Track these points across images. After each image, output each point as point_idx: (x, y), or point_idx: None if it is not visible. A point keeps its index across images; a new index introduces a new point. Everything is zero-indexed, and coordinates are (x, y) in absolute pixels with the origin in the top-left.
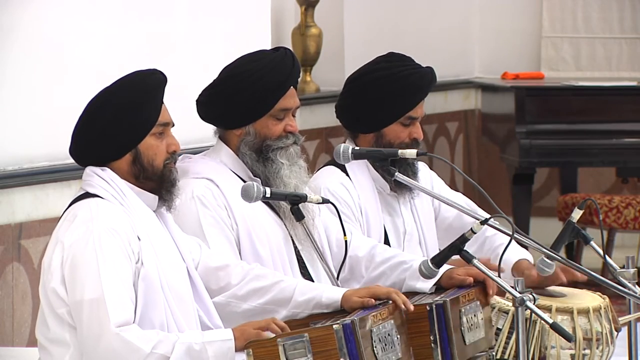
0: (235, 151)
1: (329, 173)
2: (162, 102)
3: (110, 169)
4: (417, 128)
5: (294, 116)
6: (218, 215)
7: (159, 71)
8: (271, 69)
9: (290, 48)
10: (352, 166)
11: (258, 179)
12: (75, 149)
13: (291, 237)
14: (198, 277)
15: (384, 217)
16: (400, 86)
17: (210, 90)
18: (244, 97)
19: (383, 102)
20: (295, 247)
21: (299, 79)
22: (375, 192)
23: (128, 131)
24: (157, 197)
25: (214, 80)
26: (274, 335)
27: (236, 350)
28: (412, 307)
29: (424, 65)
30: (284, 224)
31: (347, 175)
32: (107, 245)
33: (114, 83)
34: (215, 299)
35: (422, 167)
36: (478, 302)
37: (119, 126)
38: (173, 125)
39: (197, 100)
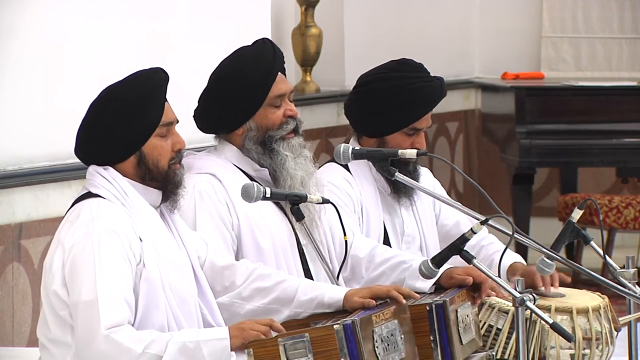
0: (240, 149)
1: (332, 169)
2: (165, 101)
3: (116, 169)
4: (420, 138)
5: (290, 101)
6: (216, 210)
7: (161, 69)
8: (254, 61)
9: (290, 48)
10: (354, 165)
11: (265, 170)
12: (80, 151)
13: (295, 232)
14: (203, 276)
15: (384, 216)
16: (408, 98)
17: (202, 100)
18: (236, 95)
19: (389, 112)
20: (299, 243)
21: (300, 79)
22: (377, 191)
23: (131, 134)
24: (160, 192)
25: (204, 90)
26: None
27: (232, 349)
28: (417, 295)
29: (435, 78)
30: (288, 220)
31: (350, 172)
32: (105, 247)
33: (116, 84)
34: (219, 300)
35: (425, 173)
36: (469, 303)
37: (122, 129)
38: (177, 122)
39: (193, 116)
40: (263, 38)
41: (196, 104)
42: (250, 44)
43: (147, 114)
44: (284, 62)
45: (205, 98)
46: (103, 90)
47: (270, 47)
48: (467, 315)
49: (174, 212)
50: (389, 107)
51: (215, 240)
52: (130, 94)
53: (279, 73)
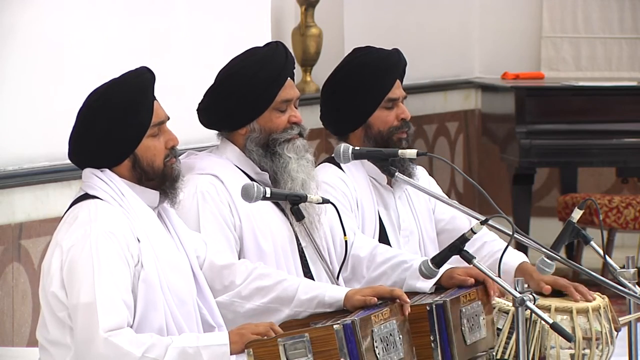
0: (242, 149)
1: (325, 169)
2: (154, 100)
3: (111, 171)
4: (401, 109)
5: (296, 107)
6: (219, 212)
7: (147, 69)
8: (266, 63)
9: (290, 48)
10: (347, 163)
11: (266, 174)
12: (74, 156)
13: (296, 234)
14: (202, 276)
15: (380, 211)
16: (369, 72)
17: (208, 95)
18: (244, 94)
19: (358, 93)
20: (300, 245)
21: (300, 79)
22: (370, 187)
23: (123, 138)
24: (158, 192)
25: (211, 86)
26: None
27: (231, 354)
28: (407, 311)
29: (390, 49)
30: (289, 222)
31: (342, 170)
32: (103, 249)
33: (103, 88)
34: (219, 299)
35: (421, 171)
36: (480, 302)
37: (113, 134)
38: (168, 119)
39: (197, 109)
40: (276, 41)
41: (196, 103)
42: (262, 45)
43: (137, 116)
44: (294, 68)
45: (213, 93)
46: (90, 95)
47: (283, 50)
48: (476, 315)
49: (174, 208)
50: (357, 88)
51: (219, 241)
52: (118, 98)
53: (288, 78)
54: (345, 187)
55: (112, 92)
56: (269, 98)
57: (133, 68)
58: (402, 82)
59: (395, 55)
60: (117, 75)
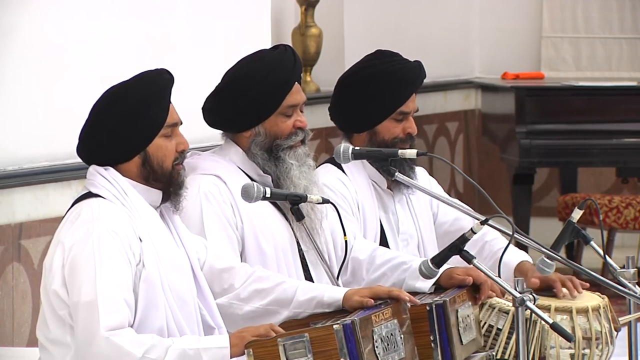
0: (246, 152)
1: (326, 171)
2: (170, 102)
3: (118, 170)
4: (410, 123)
5: (302, 112)
6: (222, 212)
7: (166, 71)
8: (274, 67)
9: None
10: (348, 164)
11: (268, 176)
12: (83, 151)
13: (297, 238)
14: (202, 277)
15: (380, 214)
16: (388, 82)
17: (215, 96)
18: (251, 98)
19: (373, 100)
20: (300, 249)
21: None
22: (372, 189)
23: (136, 134)
24: (161, 192)
25: (218, 86)
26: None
27: (232, 357)
28: (418, 302)
29: (413, 61)
30: (290, 226)
31: (344, 172)
32: (105, 247)
33: (121, 84)
34: (218, 301)
35: (421, 172)
36: (470, 303)
37: (127, 129)
38: (181, 124)
39: (202, 108)
40: (285, 45)
41: (197, 103)
42: (271, 47)
43: (152, 114)
44: (302, 72)
45: (219, 94)
46: (108, 90)
47: (292, 55)
48: (468, 316)
49: (176, 213)
50: (371, 95)
51: (222, 242)
52: (136, 94)
53: (296, 83)
54: (345, 190)
55: (131, 88)
56: (275, 103)
57: (135, 69)
58: (416, 94)
59: (417, 70)
60: (120, 75)
